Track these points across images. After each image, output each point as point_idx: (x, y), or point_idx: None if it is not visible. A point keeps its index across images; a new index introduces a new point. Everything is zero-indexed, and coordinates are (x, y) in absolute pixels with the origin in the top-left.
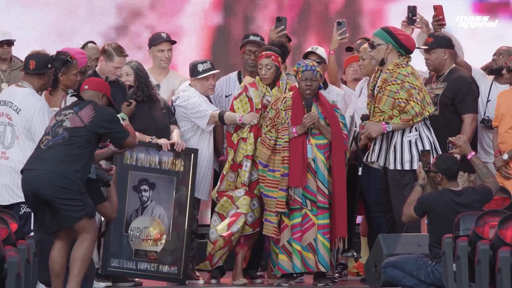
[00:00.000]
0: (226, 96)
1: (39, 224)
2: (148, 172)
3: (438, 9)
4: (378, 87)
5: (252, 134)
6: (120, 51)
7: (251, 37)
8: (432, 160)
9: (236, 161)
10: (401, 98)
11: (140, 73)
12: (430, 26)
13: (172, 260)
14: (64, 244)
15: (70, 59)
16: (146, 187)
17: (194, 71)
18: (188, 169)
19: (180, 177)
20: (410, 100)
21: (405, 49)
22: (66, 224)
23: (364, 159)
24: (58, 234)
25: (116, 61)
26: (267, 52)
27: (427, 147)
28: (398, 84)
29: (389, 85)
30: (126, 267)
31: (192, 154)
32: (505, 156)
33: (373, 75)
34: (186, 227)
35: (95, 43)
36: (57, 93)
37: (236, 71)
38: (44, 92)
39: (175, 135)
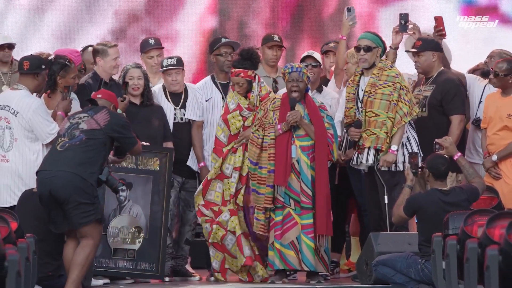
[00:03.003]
0: (206, 100)
1: (50, 223)
2: (125, 172)
3: (438, 20)
4: (366, 92)
5: (241, 148)
6: (108, 43)
7: (224, 40)
8: (420, 161)
9: (223, 172)
10: (395, 100)
11: (147, 77)
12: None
13: (150, 258)
14: (77, 242)
15: (68, 63)
16: (123, 187)
17: (161, 65)
18: (164, 168)
19: (156, 176)
20: (399, 101)
21: (384, 52)
22: (73, 226)
23: (355, 161)
24: (70, 233)
25: (112, 53)
26: (236, 70)
27: (415, 148)
28: (390, 86)
29: (379, 88)
30: (105, 266)
31: (168, 153)
32: (494, 157)
33: (351, 79)
34: (163, 225)
35: None
36: (55, 96)
37: (209, 75)
38: (43, 95)
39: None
